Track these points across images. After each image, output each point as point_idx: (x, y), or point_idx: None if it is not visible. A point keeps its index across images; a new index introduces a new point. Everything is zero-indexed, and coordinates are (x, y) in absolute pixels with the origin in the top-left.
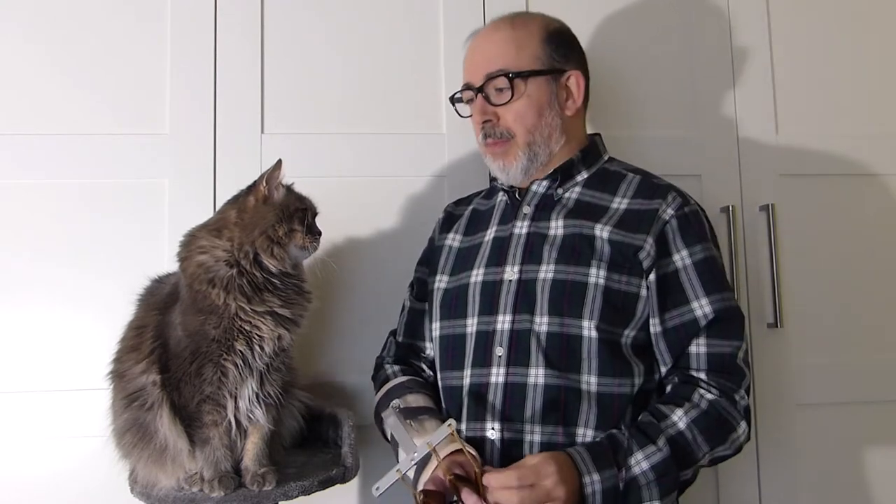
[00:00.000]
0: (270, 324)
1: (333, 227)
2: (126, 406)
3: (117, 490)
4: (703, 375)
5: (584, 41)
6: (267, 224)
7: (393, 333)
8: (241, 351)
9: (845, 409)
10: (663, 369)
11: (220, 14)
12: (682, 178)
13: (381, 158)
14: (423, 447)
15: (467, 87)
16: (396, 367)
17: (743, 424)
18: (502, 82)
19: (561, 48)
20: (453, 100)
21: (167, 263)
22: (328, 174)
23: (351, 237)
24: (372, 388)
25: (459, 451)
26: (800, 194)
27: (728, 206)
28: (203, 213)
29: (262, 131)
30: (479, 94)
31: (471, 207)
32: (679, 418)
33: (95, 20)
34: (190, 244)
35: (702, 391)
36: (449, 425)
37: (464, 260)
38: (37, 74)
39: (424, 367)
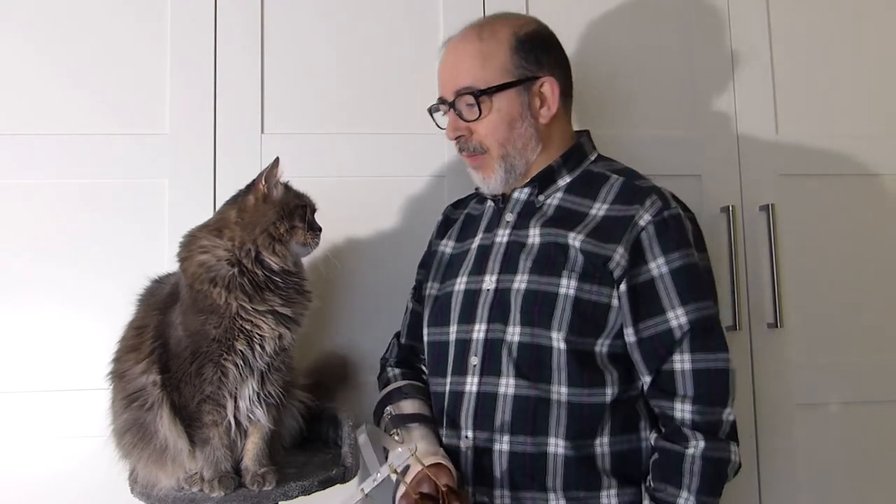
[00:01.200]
0: (271, 323)
1: (333, 226)
2: (126, 406)
3: (117, 490)
4: (688, 411)
5: (582, 40)
6: (268, 222)
7: (397, 335)
8: (241, 351)
9: (845, 409)
10: (644, 379)
11: (220, 14)
12: (682, 178)
13: (381, 158)
14: (385, 469)
15: (441, 100)
16: (398, 371)
17: (733, 449)
18: (470, 99)
19: (532, 54)
20: (431, 111)
21: (167, 263)
22: (328, 174)
23: (351, 237)
24: (370, 388)
25: (435, 465)
26: (800, 194)
27: (728, 206)
28: (203, 213)
29: (262, 131)
30: (451, 110)
31: (465, 212)
32: (685, 501)
33: (95, 20)
34: (190, 244)
35: (690, 449)
36: (410, 449)
37: (452, 267)
38: (37, 74)
39: (424, 368)
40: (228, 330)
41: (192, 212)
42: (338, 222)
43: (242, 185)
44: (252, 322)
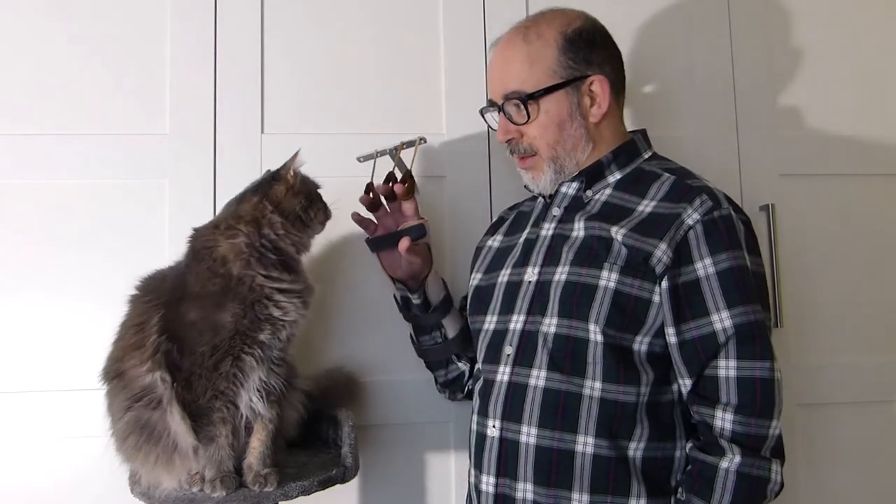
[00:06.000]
0: (295, 305)
1: (333, 226)
2: (128, 407)
3: (117, 490)
4: (729, 420)
5: None
6: (299, 207)
7: None
8: (262, 340)
9: (846, 408)
10: (682, 382)
11: (220, 14)
12: None
13: (382, 158)
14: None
15: (491, 102)
16: None
17: (774, 468)
18: (518, 104)
19: (581, 52)
20: (482, 112)
21: (167, 263)
22: (328, 174)
23: (351, 237)
24: (371, 388)
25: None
26: (800, 194)
27: None
28: (203, 213)
29: (262, 131)
30: (501, 112)
31: (518, 210)
32: None
33: (95, 20)
34: (216, 231)
35: (725, 463)
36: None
37: (499, 259)
38: (37, 74)
39: None
40: (254, 320)
41: (192, 212)
42: (338, 222)
43: (242, 185)
44: (277, 305)
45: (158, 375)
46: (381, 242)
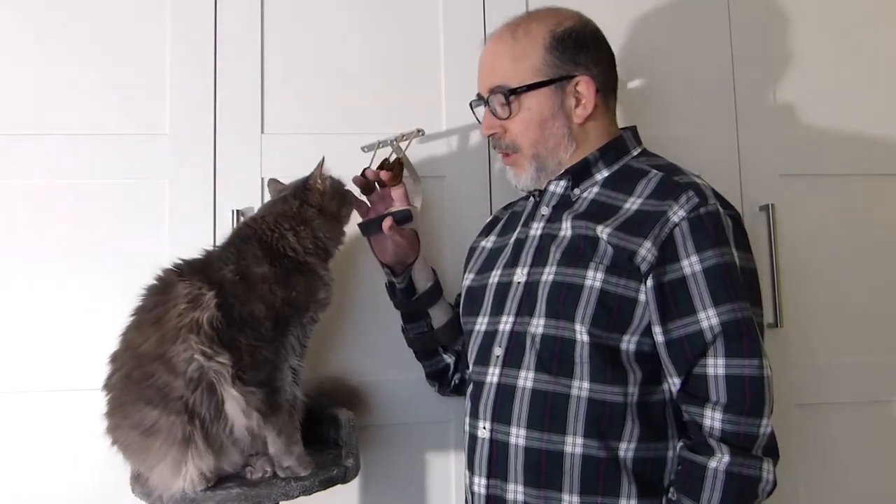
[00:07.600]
0: (330, 289)
1: None
2: (177, 396)
3: (118, 490)
4: (718, 419)
5: None
6: (335, 208)
7: None
8: (303, 323)
9: (845, 408)
10: (671, 381)
11: (220, 14)
12: None
13: (381, 158)
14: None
15: (479, 96)
16: None
17: (766, 467)
18: (501, 98)
19: (568, 52)
20: (472, 105)
21: (167, 263)
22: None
23: (351, 237)
24: (370, 390)
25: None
26: (800, 194)
27: None
28: (203, 214)
29: (262, 131)
30: (486, 107)
31: (511, 210)
32: None
33: (95, 20)
34: (286, 227)
35: (713, 462)
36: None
37: (491, 260)
38: (37, 74)
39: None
40: (306, 298)
41: (192, 212)
42: None
43: (242, 186)
44: (324, 289)
45: (219, 354)
46: (370, 225)
